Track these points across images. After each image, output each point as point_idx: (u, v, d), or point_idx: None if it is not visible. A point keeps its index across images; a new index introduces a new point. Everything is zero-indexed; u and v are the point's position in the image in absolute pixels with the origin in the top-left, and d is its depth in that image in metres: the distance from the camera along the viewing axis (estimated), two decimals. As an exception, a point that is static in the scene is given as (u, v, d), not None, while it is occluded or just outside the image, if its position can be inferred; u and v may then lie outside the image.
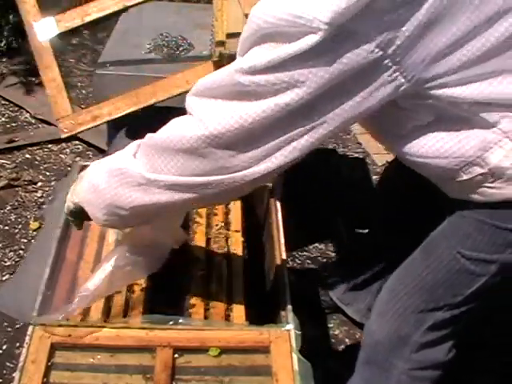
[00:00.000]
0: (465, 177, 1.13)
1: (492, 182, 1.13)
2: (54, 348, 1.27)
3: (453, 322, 1.30)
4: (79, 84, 3.57)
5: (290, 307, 1.40)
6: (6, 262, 2.38)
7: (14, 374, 1.22)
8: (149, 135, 1.17)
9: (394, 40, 0.95)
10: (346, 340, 2.11)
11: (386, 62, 0.97)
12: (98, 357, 1.28)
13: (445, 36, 0.98)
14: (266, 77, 0.98)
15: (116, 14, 2.07)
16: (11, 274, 2.32)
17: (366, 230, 2.14)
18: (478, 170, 1.12)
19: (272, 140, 1.04)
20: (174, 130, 1.12)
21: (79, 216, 1.29)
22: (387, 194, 1.78)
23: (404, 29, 0.95)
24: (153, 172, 1.12)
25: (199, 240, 1.60)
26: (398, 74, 0.99)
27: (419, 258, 1.33)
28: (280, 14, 0.95)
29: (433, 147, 1.11)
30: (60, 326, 1.31)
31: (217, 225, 1.66)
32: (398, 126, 1.14)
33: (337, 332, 2.13)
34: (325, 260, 2.39)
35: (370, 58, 0.96)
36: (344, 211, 2.54)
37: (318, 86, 0.97)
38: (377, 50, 0.96)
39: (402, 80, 1.00)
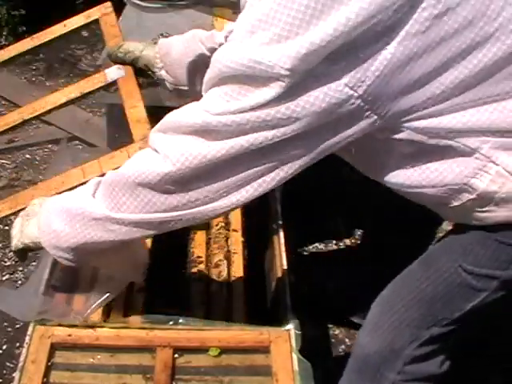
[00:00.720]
0: (455, 203, 1.12)
1: (483, 207, 1.11)
2: (53, 348, 1.27)
3: (449, 336, 1.28)
4: (79, 84, 3.57)
5: (290, 307, 1.40)
6: (5, 261, 2.38)
7: (14, 374, 1.22)
8: (110, 172, 1.16)
9: (363, 79, 0.95)
10: (346, 340, 2.11)
11: (358, 101, 0.96)
12: (98, 357, 1.28)
13: (417, 70, 0.97)
14: (235, 118, 0.98)
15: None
16: (11, 273, 2.32)
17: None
18: (466, 196, 1.10)
19: (241, 174, 1.04)
20: (138, 166, 1.09)
21: (26, 253, 1.27)
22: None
23: (373, 68, 0.94)
24: (117, 211, 1.11)
25: (199, 240, 1.60)
26: (370, 112, 0.99)
27: (418, 269, 1.30)
28: (240, 59, 0.95)
29: (418, 178, 1.10)
30: (60, 325, 1.31)
31: (217, 225, 1.66)
32: (380, 160, 1.14)
33: (337, 332, 2.13)
34: (325, 260, 2.40)
35: (339, 98, 0.96)
36: (344, 211, 2.54)
37: (289, 128, 0.98)
38: (346, 90, 0.95)
39: (375, 117, 1.00)
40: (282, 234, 1.63)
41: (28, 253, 1.27)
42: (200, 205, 1.08)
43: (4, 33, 3.71)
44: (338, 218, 2.53)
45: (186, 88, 1.55)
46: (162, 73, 1.56)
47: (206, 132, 1.02)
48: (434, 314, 1.25)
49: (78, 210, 1.15)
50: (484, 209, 1.11)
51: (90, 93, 1.60)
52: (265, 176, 1.05)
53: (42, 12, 3.87)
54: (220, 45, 1.44)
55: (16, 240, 1.24)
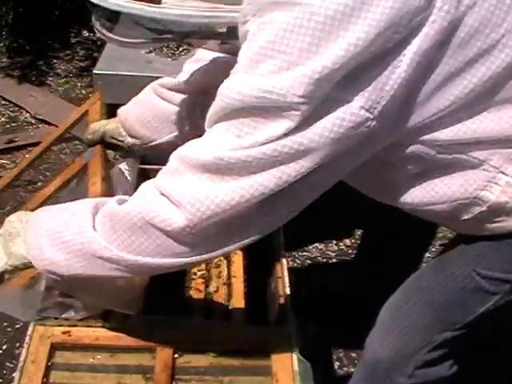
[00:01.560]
0: (466, 217, 1.11)
1: (494, 218, 1.11)
2: (54, 348, 1.27)
3: (461, 340, 1.27)
4: (79, 84, 3.57)
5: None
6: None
7: (13, 374, 1.22)
8: (110, 206, 1.09)
9: (378, 100, 0.92)
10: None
11: (373, 123, 0.94)
12: (98, 357, 1.28)
13: (430, 85, 0.96)
14: (249, 152, 0.94)
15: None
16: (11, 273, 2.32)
17: (366, 230, 2.15)
18: (477, 209, 1.10)
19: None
20: (148, 207, 1.02)
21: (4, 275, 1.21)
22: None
23: (387, 88, 0.92)
24: (127, 252, 1.05)
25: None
26: (381, 131, 0.96)
27: (430, 274, 1.29)
28: (249, 90, 0.91)
29: (427, 195, 1.09)
30: (60, 325, 1.31)
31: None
32: (387, 181, 1.13)
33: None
34: (325, 260, 2.40)
35: (356, 121, 0.92)
36: (344, 211, 2.54)
37: (308, 159, 0.94)
38: (362, 113, 0.92)
39: (389, 135, 0.99)
40: (281, 233, 1.63)
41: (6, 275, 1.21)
42: (218, 249, 1.05)
43: (4, 33, 3.70)
44: (337, 219, 2.53)
45: (155, 143, 1.54)
46: (129, 140, 1.57)
47: (218, 171, 0.96)
48: (446, 318, 1.24)
49: (78, 244, 1.08)
50: (495, 219, 1.11)
51: (71, 178, 1.69)
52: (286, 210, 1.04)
53: (41, 12, 3.87)
54: (177, 84, 1.47)
55: (2, 262, 1.16)
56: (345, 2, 0.87)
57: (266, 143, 0.93)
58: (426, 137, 1.02)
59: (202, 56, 1.46)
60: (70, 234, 1.09)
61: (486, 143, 1.04)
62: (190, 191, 0.98)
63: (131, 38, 1.10)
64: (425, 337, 1.26)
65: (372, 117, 0.93)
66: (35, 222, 1.15)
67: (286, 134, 0.92)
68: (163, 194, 1.01)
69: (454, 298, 1.22)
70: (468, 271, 1.19)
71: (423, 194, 1.10)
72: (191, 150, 1.00)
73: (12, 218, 1.19)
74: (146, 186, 1.06)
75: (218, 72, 1.41)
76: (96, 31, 1.11)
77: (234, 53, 1.02)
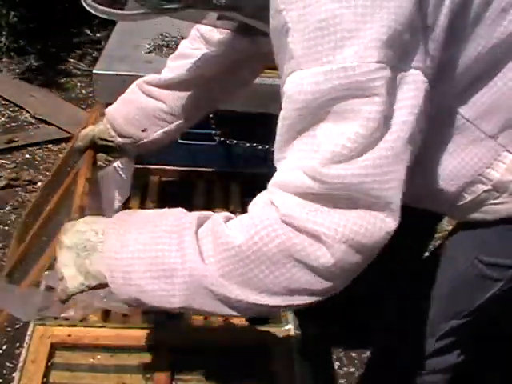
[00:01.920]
0: (469, 198, 1.11)
1: (497, 198, 1.11)
2: (54, 348, 1.27)
3: (467, 328, 1.29)
4: (79, 84, 3.57)
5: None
6: (5, 261, 2.38)
7: (13, 374, 1.22)
8: (222, 230, 0.90)
9: (429, 63, 0.90)
10: (346, 340, 2.11)
11: (428, 83, 0.88)
12: (98, 357, 1.28)
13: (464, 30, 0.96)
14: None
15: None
16: (11, 273, 2.33)
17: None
18: (481, 188, 1.09)
19: None
20: (284, 240, 0.87)
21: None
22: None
23: (433, 46, 0.91)
24: (249, 288, 0.90)
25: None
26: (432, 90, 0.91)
27: (433, 265, 1.30)
28: (322, 79, 0.82)
29: (437, 167, 1.09)
30: (60, 325, 1.31)
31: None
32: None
33: (337, 332, 2.13)
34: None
35: (422, 88, 0.87)
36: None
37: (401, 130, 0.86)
38: (421, 78, 0.87)
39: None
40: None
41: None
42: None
43: (4, 33, 3.71)
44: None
45: (145, 141, 1.52)
46: (119, 139, 1.55)
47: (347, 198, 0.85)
48: (452, 307, 1.25)
49: (183, 273, 0.91)
50: (497, 201, 1.11)
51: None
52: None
53: (41, 12, 3.87)
54: (162, 80, 1.47)
55: (77, 283, 0.98)
56: None
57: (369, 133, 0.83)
58: (443, 101, 1.01)
59: (186, 51, 1.46)
60: (172, 258, 0.92)
61: (497, 115, 1.04)
62: (333, 219, 0.87)
63: (131, 10, 0.99)
64: (432, 327, 1.27)
65: (428, 78, 0.88)
66: (118, 236, 0.96)
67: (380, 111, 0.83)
68: (299, 229, 0.87)
69: (459, 287, 1.23)
70: (471, 259, 1.20)
71: (432, 170, 1.09)
72: (294, 178, 0.88)
73: (82, 227, 1.00)
74: (265, 215, 0.89)
75: (206, 67, 1.42)
76: (89, 8, 1.01)
77: (232, 28, 1.00)
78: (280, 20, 0.86)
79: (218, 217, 0.94)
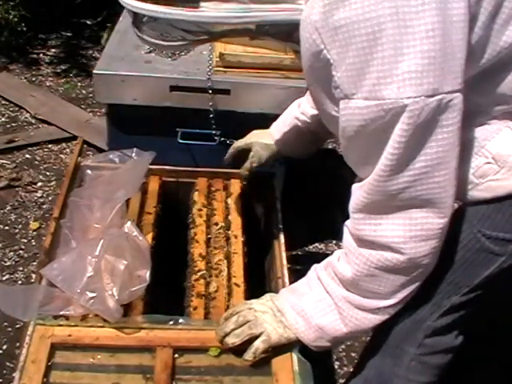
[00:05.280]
0: (471, 171, 1.16)
1: (496, 174, 1.16)
2: (53, 348, 1.27)
3: (466, 306, 1.30)
4: (79, 84, 3.57)
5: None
6: (6, 262, 2.38)
7: (14, 374, 1.22)
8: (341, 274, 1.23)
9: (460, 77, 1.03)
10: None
11: (460, 98, 1.04)
12: (98, 357, 1.28)
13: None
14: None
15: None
16: (11, 274, 2.32)
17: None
18: (483, 160, 1.16)
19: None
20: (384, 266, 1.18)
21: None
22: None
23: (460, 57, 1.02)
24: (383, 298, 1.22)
25: (199, 239, 1.60)
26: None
27: None
28: (365, 109, 1.02)
29: None
30: (60, 325, 1.31)
31: (217, 224, 1.66)
32: None
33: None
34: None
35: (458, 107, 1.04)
36: (344, 211, 2.53)
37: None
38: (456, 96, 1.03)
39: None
40: (281, 233, 1.63)
41: None
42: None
43: (4, 33, 3.71)
44: (337, 218, 2.53)
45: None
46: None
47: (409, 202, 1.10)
48: (454, 282, 1.26)
49: (340, 297, 1.24)
50: (496, 176, 1.16)
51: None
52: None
53: (41, 12, 3.87)
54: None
55: (278, 336, 1.28)
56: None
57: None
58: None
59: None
60: (328, 293, 1.26)
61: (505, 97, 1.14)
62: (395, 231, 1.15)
63: (169, 42, 1.18)
64: (434, 302, 1.28)
65: (459, 94, 1.02)
66: (294, 303, 1.29)
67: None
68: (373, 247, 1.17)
69: (460, 260, 1.24)
70: (473, 233, 1.22)
71: None
72: (376, 190, 1.12)
73: (266, 304, 1.32)
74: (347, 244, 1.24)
75: None
76: (137, 36, 1.19)
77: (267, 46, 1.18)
78: (322, 58, 1.04)
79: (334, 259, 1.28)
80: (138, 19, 1.16)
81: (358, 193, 1.16)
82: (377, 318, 1.24)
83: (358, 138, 1.08)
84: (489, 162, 1.16)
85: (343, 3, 0.98)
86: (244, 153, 1.75)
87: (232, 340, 1.28)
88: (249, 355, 1.27)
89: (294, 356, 1.29)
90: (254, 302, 1.34)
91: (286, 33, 1.14)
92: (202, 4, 1.09)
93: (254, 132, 1.76)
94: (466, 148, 1.14)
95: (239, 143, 1.76)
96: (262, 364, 1.29)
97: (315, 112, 1.57)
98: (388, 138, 1.04)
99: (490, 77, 1.11)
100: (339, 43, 1.00)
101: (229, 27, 1.14)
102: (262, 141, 1.71)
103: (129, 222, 1.44)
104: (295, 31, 1.09)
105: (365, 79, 1.00)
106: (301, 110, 1.64)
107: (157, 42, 1.18)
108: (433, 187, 1.09)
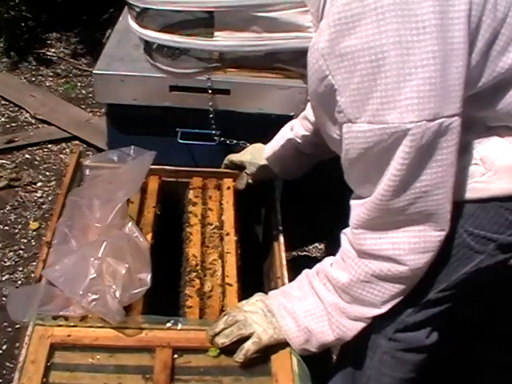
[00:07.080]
0: (460, 167, 1.17)
1: (482, 176, 1.19)
2: (53, 348, 1.27)
3: (441, 303, 1.31)
4: (79, 84, 3.57)
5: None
6: (5, 262, 2.38)
7: (13, 374, 1.22)
8: (337, 272, 1.27)
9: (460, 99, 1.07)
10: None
11: (459, 121, 1.09)
12: (98, 357, 1.28)
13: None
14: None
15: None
16: (11, 273, 2.32)
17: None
18: (472, 161, 1.19)
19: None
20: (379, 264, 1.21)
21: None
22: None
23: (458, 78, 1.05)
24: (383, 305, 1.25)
25: (195, 239, 1.60)
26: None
27: None
28: (368, 132, 1.06)
29: None
30: (59, 326, 1.31)
31: (211, 223, 1.66)
32: None
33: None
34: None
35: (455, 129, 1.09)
36: (344, 211, 2.53)
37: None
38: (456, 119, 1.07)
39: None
40: (281, 234, 1.63)
41: None
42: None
43: (4, 33, 3.71)
44: (337, 218, 2.52)
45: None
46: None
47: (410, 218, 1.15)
48: (432, 277, 1.27)
49: (332, 303, 1.27)
50: (482, 179, 1.19)
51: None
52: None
53: (41, 12, 3.87)
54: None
55: (268, 337, 1.29)
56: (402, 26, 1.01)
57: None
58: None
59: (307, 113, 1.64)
60: (323, 300, 1.29)
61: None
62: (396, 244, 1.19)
63: (184, 69, 1.23)
64: (411, 297, 1.28)
65: (457, 118, 1.07)
66: (285, 305, 1.32)
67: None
68: (375, 257, 1.21)
69: (440, 255, 1.24)
70: (456, 228, 1.24)
71: None
72: (375, 208, 1.17)
73: (258, 305, 1.33)
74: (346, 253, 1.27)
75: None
76: (150, 64, 1.24)
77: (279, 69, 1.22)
78: (326, 84, 1.08)
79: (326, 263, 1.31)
80: (149, 47, 1.20)
81: (359, 210, 1.20)
82: (362, 326, 1.28)
83: (360, 159, 1.11)
84: (476, 164, 1.19)
85: (349, 32, 1.02)
86: (238, 166, 1.77)
87: (221, 340, 1.28)
88: (239, 357, 1.28)
89: (293, 356, 1.30)
90: (244, 303, 1.35)
91: (295, 59, 1.18)
92: (216, 34, 1.12)
93: (249, 149, 1.77)
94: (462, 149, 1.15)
95: (234, 158, 1.78)
96: (262, 364, 1.29)
97: (308, 133, 1.62)
98: (389, 160, 1.08)
99: (485, 97, 1.14)
100: (344, 69, 1.04)
101: (241, 55, 1.18)
102: (256, 161, 1.74)
103: (130, 223, 1.44)
104: (303, 57, 1.13)
105: (368, 104, 1.04)
106: (293, 133, 1.67)
107: (169, 69, 1.23)
108: (432, 204, 1.13)
